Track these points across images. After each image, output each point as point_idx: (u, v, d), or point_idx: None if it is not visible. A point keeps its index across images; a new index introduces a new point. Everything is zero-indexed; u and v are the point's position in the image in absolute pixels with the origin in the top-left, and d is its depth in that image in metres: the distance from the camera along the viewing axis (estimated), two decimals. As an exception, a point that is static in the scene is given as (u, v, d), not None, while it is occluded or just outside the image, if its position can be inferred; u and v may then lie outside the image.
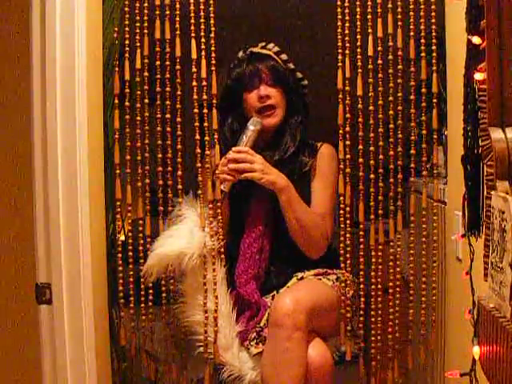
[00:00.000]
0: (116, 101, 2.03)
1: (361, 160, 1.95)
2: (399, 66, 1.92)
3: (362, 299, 2.01)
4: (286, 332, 1.83)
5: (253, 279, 2.07)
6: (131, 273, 2.05)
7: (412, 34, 1.91)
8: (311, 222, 2.06)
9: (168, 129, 2.03)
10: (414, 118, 1.95)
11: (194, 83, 1.98)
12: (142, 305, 2.06)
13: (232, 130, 2.14)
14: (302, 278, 2.08)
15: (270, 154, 2.10)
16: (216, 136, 2.01)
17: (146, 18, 2.00)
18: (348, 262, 1.99)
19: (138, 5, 2.00)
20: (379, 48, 1.92)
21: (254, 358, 1.96)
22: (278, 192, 2.03)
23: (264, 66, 2.12)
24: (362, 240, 1.99)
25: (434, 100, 1.93)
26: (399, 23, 1.91)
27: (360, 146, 1.95)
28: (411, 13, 1.91)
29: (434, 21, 1.91)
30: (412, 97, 1.93)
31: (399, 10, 1.91)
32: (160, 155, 2.04)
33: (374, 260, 1.98)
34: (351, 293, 2.05)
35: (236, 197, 2.08)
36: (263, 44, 2.19)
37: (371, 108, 1.95)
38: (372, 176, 1.96)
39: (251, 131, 2.04)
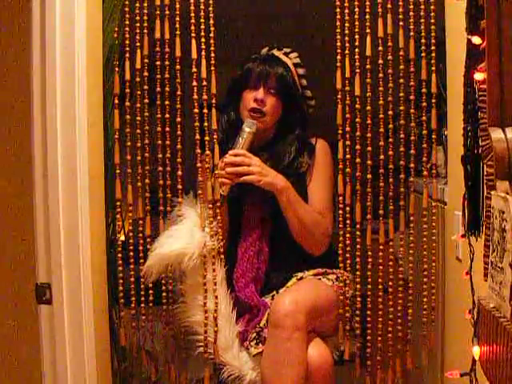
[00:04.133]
0: (116, 101, 2.03)
1: (359, 160, 1.96)
2: (401, 67, 1.92)
3: (362, 299, 2.01)
4: (285, 332, 1.83)
5: (251, 282, 2.07)
6: (131, 273, 2.06)
7: (412, 34, 1.91)
8: (312, 220, 2.06)
9: (168, 129, 2.03)
10: (414, 118, 1.95)
11: (194, 83, 1.98)
12: (142, 305, 2.07)
13: (224, 128, 2.13)
14: (301, 278, 2.08)
15: (263, 158, 2.09)
16: (216, 136, 2.01)
17: (145, 18, 2.00)
18: (348, 261, 1.99)
19: (138, 5, 2.01)
20: (379, 48, 1.92)
21: (253, 358, 1.96)
22: (277, 193, 2.02)
23: (275, 72, 2.09)
24: (361, 240, 1.99)
25: (434, 100, 1.93)
26: (399, 23, 1.91)
27: (358, 146, 1.96)
28: (411, 13, 1.91)
29: (433, 21, 1.91)
30: (412, 97, 1.93)
31: (399, 9, 1.91)
32: (160, 155, 2.04)
33: (372, 260, 1.99)
34: (351, 292, 2.06)
35: (231, 201, 2.08)
36: (287, 50, 2.18)
37: (369, 108, 1.96)
38: (369, 176, 1.96)
39: (247, 133, 2.03)
